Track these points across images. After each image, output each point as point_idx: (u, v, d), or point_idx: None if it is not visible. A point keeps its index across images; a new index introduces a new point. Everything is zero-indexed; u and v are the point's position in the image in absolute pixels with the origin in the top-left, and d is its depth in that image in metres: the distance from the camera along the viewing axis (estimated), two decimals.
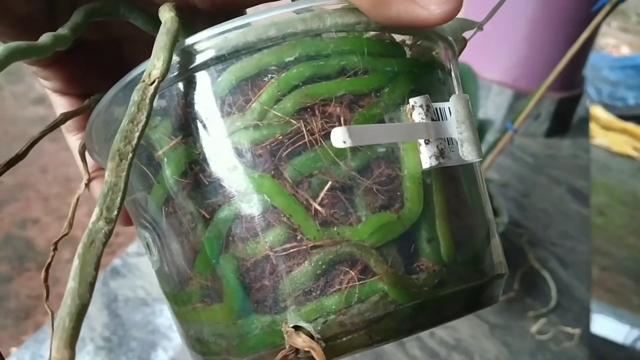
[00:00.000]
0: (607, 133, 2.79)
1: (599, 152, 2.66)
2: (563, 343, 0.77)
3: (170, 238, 0.23)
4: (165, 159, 0.22)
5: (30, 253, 1.69)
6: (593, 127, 2.68)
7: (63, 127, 0.29)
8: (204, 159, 0.21)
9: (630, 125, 2.80)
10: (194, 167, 0.21)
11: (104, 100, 0.23)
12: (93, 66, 0.28)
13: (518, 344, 0.76)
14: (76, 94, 0.29)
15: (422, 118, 0.21)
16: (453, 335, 0.75)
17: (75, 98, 0.29)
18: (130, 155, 0.18)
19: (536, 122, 1.34)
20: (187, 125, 0.21)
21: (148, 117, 0.19)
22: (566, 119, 1.40)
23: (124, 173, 0.18)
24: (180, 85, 0.21)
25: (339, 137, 0.20)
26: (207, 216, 0.21)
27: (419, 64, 0.23)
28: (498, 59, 1.28)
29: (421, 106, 0.21)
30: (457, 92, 0.24)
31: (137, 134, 0.19)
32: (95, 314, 0.69)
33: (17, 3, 0.23)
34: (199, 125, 0.21)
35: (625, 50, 4.07)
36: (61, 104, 0.29)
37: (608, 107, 2.88)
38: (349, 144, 0.19)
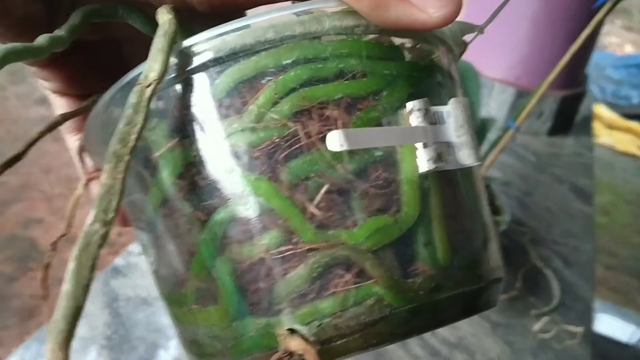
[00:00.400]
0: (611, 132, 2.79)
1: (603, 151, 2.65)
2: (566, 342, 0.77)
3: (167, 240, 0.23)
4: (162, 161, 0.22)
5: (34, 253, 1.69)
6: (597, 126, 2.67)
7: (62, 128, 0.29)
8: (201, 162, 0.21)
9: (634, 124, 2.79)
10: (191, 170, 0.21)
11: (102, 102, 0.23)
12: (92, 67, 0.28)
13: (520, 342, 0.76)
14: (75, 94, 0.29)
15: (420, 122, 0.21)
16: (455, 334, 0.75)
17: (74, 99, 0.29)
18: (127, 157, 0.18)
19: (539, 120, 1.34)
20: (184, 128, 0.21)
21: (145, 119, 0.19)
22: (569, 118, 1.39)
23: (121, 175, 0.18)
24: (178, 87, 0.21)
25: (335, 140, 0.20)
26: (204, 218, 0.21)
27: (418, 67, 0.23)
28: (500, 57, 1.28)
29: (419, 110, 0.21)
30: (456, 96, 0.24)
31: (133, 136, 0.19)
32: (97, 313, 0.69)
33: (15, 4, 0.23)
34: (196, 127, 0.21)
35: (628, 49, 4.05)
36: (60, 105, 0.29)
37: (612, 106, 2.88)
38: (345, 148, 0.19)
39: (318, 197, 0.20)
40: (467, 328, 0.76)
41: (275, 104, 0.20)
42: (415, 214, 0.21)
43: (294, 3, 0.22)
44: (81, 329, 0.66)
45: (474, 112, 0.81)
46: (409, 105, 0.21)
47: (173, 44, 0.21)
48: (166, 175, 0.22)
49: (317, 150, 0.20)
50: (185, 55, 0.21)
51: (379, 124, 0.21)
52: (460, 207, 0.23)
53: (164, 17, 0.22)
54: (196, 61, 0.21)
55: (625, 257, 2.15)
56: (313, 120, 0.20)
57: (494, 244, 0.25)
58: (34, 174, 1.98)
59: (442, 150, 0.21)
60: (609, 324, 1.57)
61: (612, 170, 2.64)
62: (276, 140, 0.20)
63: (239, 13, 0.25)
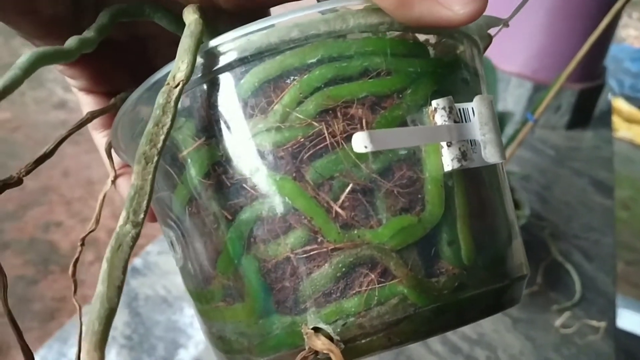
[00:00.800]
0: (630, 126, 2.75)
1: (622, 145, 2.62)
2: (588, 336, 0.77)
3: (194, 237, 0.23)
4: (189, 160, 0.22)
5: (54, 256, 1.70)
6: (616, 120, 2.64)
7: (89, 125, 0.29)
8: (227, 161, 0.21)
9: None
10: (217, 169, 0.21)
11: (130, 101, 0.24)
12: (118, 64, 0.29)
13: (542, 337, 0.76)
14: (102, 92, 0.29)
15: (444, 120, 0.21)
16: (476, 330, 0.74)
17: (100, 96, 0.29)
18: (156, 158, 0.19)
19: (557, 114, 1.33)
20: (210, 127, 0.21)
21: (173, 120, 0.19)
22: (587, 111, 1.38)
23: (150, 176, 0.18)
24: (204, 86, 0.21)
25: (360, 142, 0.19)
26: (230, 217, 0.21)
27: (442, 63, 0.23)
28: (517, 51, 1.27)
29: (444, 108, 0.21)
30: (481, 92, 0.24)
31: (162, 137, 0.19)
32: (116, 312, 0.69)
33: (43, 3, 0.24)
34: (222, 126, 0.21)
35: None
36: (87, 102, 0.29)
37: (630, 99, 2.84)
38: (370, 149, 0.19)
39: (342, 197, 0.20)
40: (488, 324, 0.76)
41: (300, 103, 0.20)
42: (440, 213, 0.21)
43: (318, 1, 0.22)
44: None
45: None
46: (434, 103, 0.21)
47: (199, 44, 0.21)
48: (193, 174, 0.22)
49: (342, 149, 0.20)
50: (211, 55, 0.21)
51: (404, 123, 0.21)
52: (485, 206, 0.23)
53: (191, 17, 0.22)
54: (222, 61, 0.21)
55: None
56: (338, 120, 0.20)
57: (518, 241, 0.25)
58: (53, 178, 1.99)
59: (466, 148, 0.21)
60: (631, 320, 1.55)
61: (632, 164, 2.61)
62: (301, 140, 0.20)
63: (263, 12, 0.25)
